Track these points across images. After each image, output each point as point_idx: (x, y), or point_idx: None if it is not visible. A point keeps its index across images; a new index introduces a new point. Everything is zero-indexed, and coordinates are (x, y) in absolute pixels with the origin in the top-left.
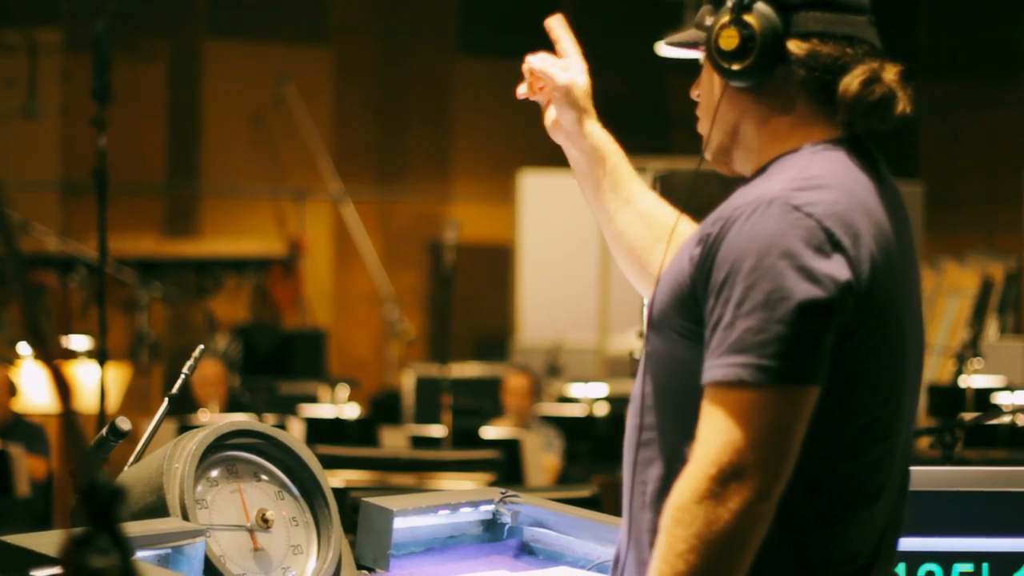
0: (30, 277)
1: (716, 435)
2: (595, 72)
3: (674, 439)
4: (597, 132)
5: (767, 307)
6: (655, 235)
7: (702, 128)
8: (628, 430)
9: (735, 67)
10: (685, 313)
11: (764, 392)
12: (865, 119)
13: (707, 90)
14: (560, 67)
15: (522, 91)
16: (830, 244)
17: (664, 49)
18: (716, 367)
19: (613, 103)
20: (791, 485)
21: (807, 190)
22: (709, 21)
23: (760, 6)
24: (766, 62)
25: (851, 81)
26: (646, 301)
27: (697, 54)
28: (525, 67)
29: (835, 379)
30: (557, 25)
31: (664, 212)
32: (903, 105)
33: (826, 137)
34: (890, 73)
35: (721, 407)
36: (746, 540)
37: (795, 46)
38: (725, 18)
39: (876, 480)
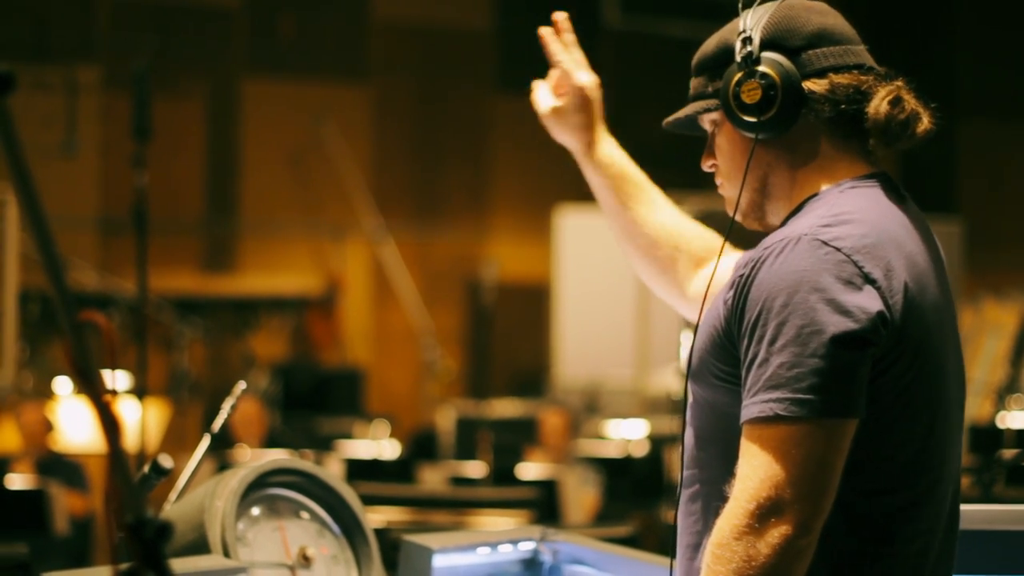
0: (79, 315)
1: (754, 471)
2: (632, 109)
3: (720, 486)
4: (608, 141)
5: (800, 342)
6: (676, 242)
7: (727, 192)
8: (681, 485)
9: (761, 120)
10: (723, 357)
11: (801, 426)
12: (896, 139)
13: (726, 155)
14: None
15: (544, 95)
16: (860, 277)
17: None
18: (752, 404)
19: (649, 139)
20: (836, 521)
21: (835, 226)
22: (711, 88)
23: (769, 55)
24: (791, 107)
25: (879, 104)
26: (678, 308)
27: (696, 130)
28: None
29: (875, 413)
30: (565, 26)
31: (680, 219)
32: (927, 122)
33: (853, 174)
34: (909, 93)
35: (758, 443)
36: (787, 575)
37: (814, 85)
38: (738, 74)
39: (922, 516)
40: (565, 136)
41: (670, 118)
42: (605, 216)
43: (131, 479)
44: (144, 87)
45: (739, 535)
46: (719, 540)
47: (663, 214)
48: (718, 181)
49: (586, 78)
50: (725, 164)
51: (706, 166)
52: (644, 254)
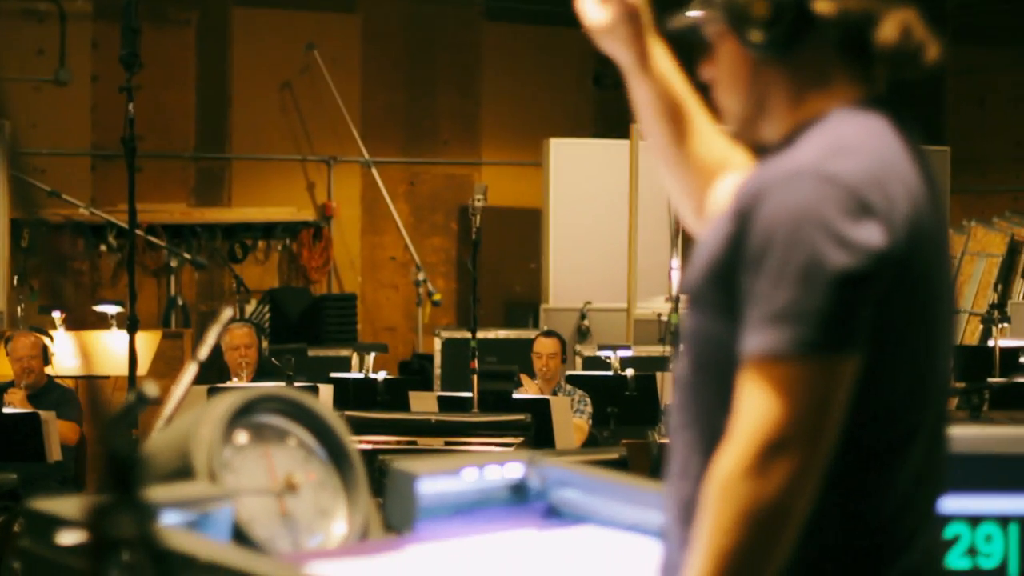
0: (51, 243)
1: (756, 408)
2: None
3: (715, 415)
4: (660, 55)
5: (803, 278)
6: (704, 166)
7: (723, 102)
8: (673, 410)
9: (766, 36)
10: (722, 288)
11: (802, 363)
12: (902, 67)
13: (727, 67)
14: None
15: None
16: (864, 211)
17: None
18: (753, 340)
19: None
20: (835, 453)
21: (838, 157)
22: None
23: None
24: (797, 27)
25: (889, 32)
26: (693, 226)
27: (699, 36)
28: None
29: (876, 346)
30: None
31: (717, 144)
32: (934, 51)
33: (855, 100)
34: (919, 21)
35: (760, 380)
36: (791, 513)
37: (824, 6)
38: None
39: (917, 445)
40: (613, 48)
41: (676, 22)
42: (642, 128)
43: (106, 408)
44: (132, 17)
45: (743, 474)
46: (723, 480)
47: (702, 140)
48: (717, 90)
49: None
50: (724, 76)
51: (706, 75)
52: (672, 172)
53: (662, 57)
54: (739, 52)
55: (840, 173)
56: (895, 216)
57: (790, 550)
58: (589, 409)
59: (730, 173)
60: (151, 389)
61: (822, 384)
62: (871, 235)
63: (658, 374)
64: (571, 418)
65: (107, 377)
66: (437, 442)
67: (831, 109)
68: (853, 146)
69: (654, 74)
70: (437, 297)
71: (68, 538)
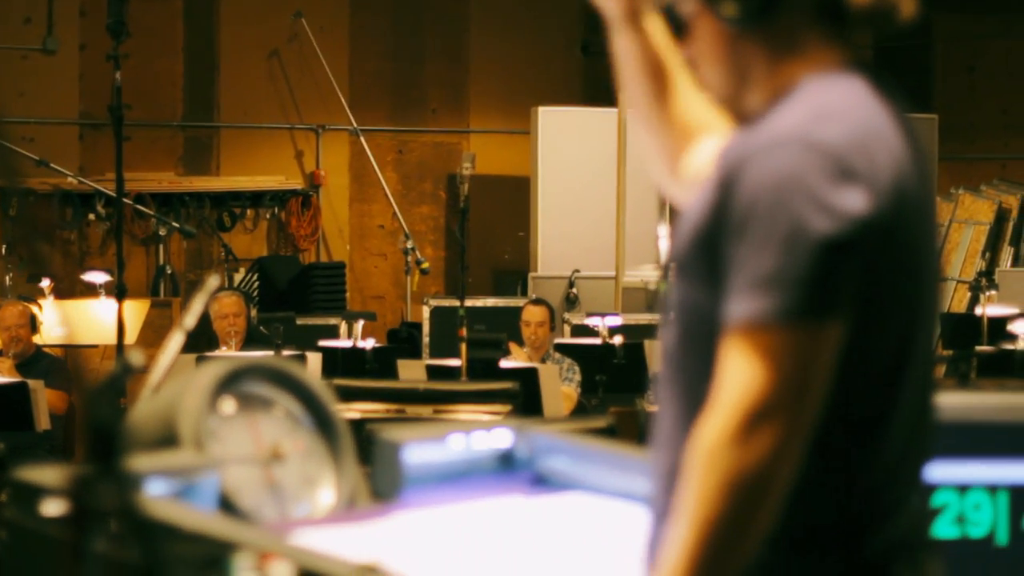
0: (33, 211)
1: (739, 376)
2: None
3: (701, 385)
4: (651, 14)
5: (786, 244)
6: (683, 129)
7: (703, 76)
8: (660, 380)
9: (740, 9)
10: (705, 257)
11: (785, 330)
12: (880, 29)
13: (705, 41)
14: None
15: None
16: (847, 176)
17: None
18: (736, 307)
19: None
20: (820, 423)
21: (822, 123)
22: None
23: None
24: None
25: None
26: (667, 188)
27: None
28: None
29: (860, 314)
30: None
31: (695, 107)
32: (909, 7)
33: (835, 66)
34: None
35: (742, 347)
36: (774, 481)
37: None
38: None
39: (903, 413)
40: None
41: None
42: (622, 84)
43: (89, 377)
44: None
45: (726, 443)
46: (706, 448)
47: (683, 101)
48: (700, 68)
49: None
50: (704, 53)
51: (685, 52)
52: (651, 131)
53: (652, 16)
54: (715, 27)
55: (824, 139)
56: (879, 182)
57: (773, 519)
58: (577, 377)
59: (708, 137)
60: (136, 358)
61: (805, 351)
62: (854, 201)
63: (646, 342)
64: (559, 386)
65: (95, 346)
66: (425, 410)
67: (810, 75)
68: (837, 112)
69: (642, 30)
70: (425, 265)
71: (51, 508)
